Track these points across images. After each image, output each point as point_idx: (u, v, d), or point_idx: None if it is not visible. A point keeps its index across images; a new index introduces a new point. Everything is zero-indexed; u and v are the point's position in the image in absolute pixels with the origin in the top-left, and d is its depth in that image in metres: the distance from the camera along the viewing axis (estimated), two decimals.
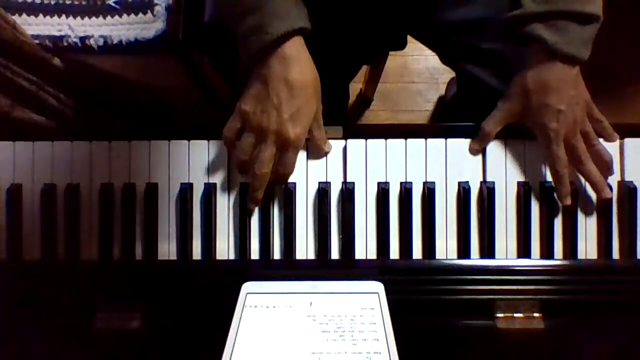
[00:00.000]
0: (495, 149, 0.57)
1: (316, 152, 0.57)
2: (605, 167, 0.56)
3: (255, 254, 0.57)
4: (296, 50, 0.52)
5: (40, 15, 0.72)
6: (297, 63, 0.52)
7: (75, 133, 0.58)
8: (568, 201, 0.55)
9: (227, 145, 0.56)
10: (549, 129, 0.54)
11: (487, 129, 0.56)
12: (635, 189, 0.56)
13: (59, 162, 0.57)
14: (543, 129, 0.54)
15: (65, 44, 0.71)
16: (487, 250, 0.56)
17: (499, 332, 0.49)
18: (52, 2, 0.73)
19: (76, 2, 0.73)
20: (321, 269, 0.55)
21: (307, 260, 0.56)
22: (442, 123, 0.64)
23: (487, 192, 0.56)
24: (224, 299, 0.47)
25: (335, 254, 0.57)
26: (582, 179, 0.57)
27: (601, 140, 0.57)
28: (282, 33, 0.50)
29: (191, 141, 0.58)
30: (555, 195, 0.56)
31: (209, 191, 0.57)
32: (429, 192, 0.56)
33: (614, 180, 0.57)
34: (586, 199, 0.57)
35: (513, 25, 0.54)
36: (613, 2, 0.54)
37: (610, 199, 0.56)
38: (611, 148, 0.57)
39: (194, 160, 0.58)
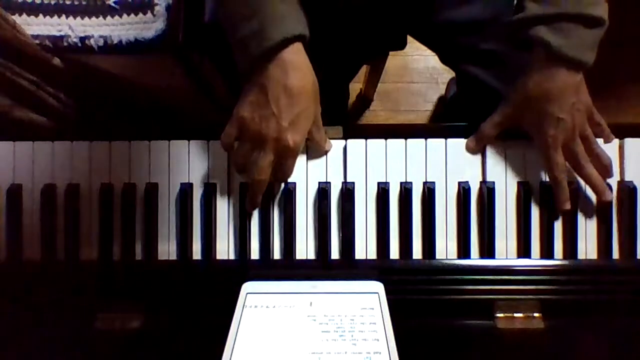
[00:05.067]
0: (495, 149, 0.57)
1: (317, 151, 0.57)
2: (605, 171, 0.56)
3: (255, 254, 0.57)
4: (295, 56, 0.52)
5: (40, 15, 0.72)
6: (295, 68, 0.51)
7: (75, 133, 0.58)
8: (567, 206, 0.55)
9: (226, 150, 0.56)
10: (547, 135, 0.53)
11: (486, 132, 0.57)
12: (635, 189, 0.56)
13: (59, 162, 0.57)
14: (541, 134, 0.54)
15: (65, 44, 0.71)
16: (487, 250, 0.56)
17: (499, 332, 0.49)
18: (52, 2, 0.73)
19: (76, 2, 0.73)
20: (321, 269, 0.55)
21: (307, 260, 0.56)
22: (442, 123, 0.64)
23: (487, 192, 0.56)
24: (224, 299, 0.47)
25: (335, 254, 0.57)
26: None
27: (600, 141, 0.57)
28: (281, 39, 0.50)
29: (191, 141, 0.58)
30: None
31: (209, 191, 0.57)
32: (429, 192, 0.56)
33: (613, 180, 0.57)
34: (586, 199, 0.57)
35: (516, 29, 0.54)
36: (613, 2, 0.54)
37: (611, 201, 0.56)
38: (610, 148, 0.57)
39: (194, 160, 0.58)
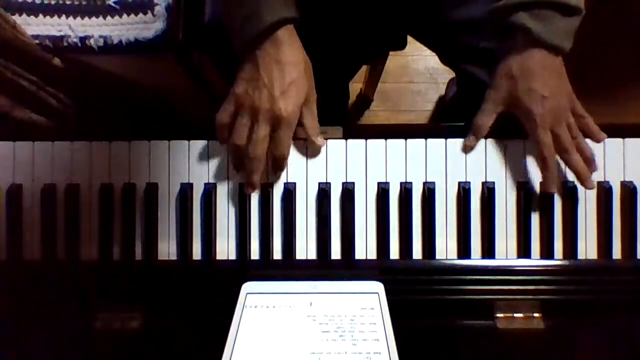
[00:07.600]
0: (495, 149, 0.57)
1: (310, 146, 0.57)
2: (587, 162, 0.56)
3: (255, 254, 0.57)
4: (287, 35, 0.53)
5: (40, 15, 0.72)
6: (287, 45, 0.53)
7: (75, 133, 0.58)
8: (554, 189, 0.55)
9: (220, 131, 0.56)
10: (535, 114, 0.54)
11: (479, 123, 0.57)
12: (635, 189, 0.56)
13: (59, 162, 0.57)
14: (529, 114, 0.54)
15: (65, 44, 0.71)
16: (487, 250, 0.56)
17: (499, 332, 0.49)
18: (52, 2, 0.73)
19: (76, 2, 0.73)
20: (321, 269, 0.55)
21: (307, 260, 0.56)
22: (442, 123, 0.64)
23: (487, 192, 0.56)
24: (224, 299, 0.47)
25: (335, 254, 0.57)
26: None
27: (589, 141, 0.56)
28: (275, 20, 0.52)
29: (191, 141, 0.58)
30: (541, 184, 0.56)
31: (209, 191, 0.57)
32: (429, 192, 0.56)
33: (613, 180, 0.57)
34: (586, 199, 0.57)
35: (498, 15, 0.55)
36: (613, 2, 0.54)
37: (611, 196, 0.56)
38: (611, 148, 0.57)
39: (194, 160, 0.58)
